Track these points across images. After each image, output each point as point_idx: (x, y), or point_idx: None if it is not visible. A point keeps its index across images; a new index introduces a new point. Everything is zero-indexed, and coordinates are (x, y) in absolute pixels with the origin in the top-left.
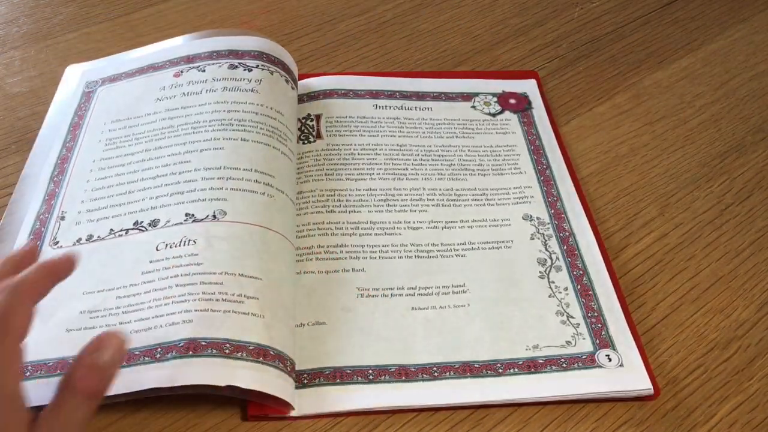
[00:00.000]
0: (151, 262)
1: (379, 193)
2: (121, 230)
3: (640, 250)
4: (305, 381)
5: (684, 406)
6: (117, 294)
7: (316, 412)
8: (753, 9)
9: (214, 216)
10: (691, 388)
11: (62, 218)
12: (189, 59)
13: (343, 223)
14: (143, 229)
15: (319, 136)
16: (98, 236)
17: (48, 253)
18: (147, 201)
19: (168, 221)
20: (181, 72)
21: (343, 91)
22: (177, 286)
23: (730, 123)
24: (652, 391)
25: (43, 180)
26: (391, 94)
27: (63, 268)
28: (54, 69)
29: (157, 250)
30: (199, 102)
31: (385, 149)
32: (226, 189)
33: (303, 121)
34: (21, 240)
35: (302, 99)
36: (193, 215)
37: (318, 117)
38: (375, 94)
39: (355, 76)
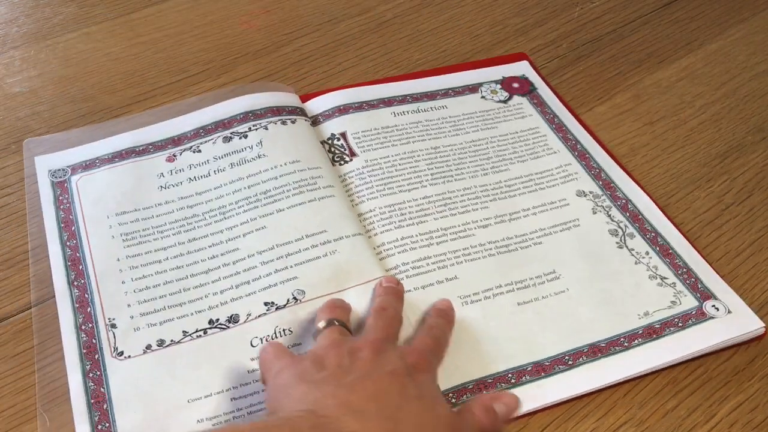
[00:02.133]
0: (252, 359)
1: (435, 198)
2: (198, 331)
3: None
4: (453, 399)
5: (684, 406)
6: (230, 396)
7: None
8: (753, 9)
9: (295, 299)
10: (691, 388)
11: (113, 326)
12: (175, 141)
13: (416, 235)
14: (224, 327)
15: (353, 153)
16: (172, 340)
17: (113, 365)
18: (212, 297)
19: (249, 314)
20: (174, 156)
21: (356, 105)
22: None
23: (730, 123)
24: (764, 329)
25: (60, 286)
26: (402, 99)
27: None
28: (54, 69)
29: (252, 346)
30: (213, 185)
31: (422, 154)
32: (291, 266)
33: (330, 142)
34: (71, 359)
35: (318, 120)
36: (273, 303)
37: (344, 135)
38: (388, 102)
39: (360, 88)
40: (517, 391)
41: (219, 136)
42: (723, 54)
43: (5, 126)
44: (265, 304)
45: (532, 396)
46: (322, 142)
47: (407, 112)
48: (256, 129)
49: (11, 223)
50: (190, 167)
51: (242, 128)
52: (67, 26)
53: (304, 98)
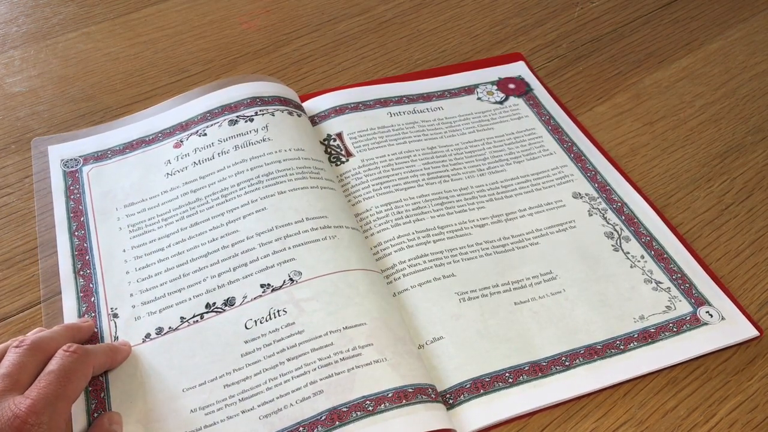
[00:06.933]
0: (246, 342)
1: (432, 197)
2: (195, 316)
3: None
4: (451, 401)
5: (684, 406)
6: (223, 383)
7: (481, 426)
8: (753, 9)
9: (291, 279)
10: (691, 388)
11: (115, 316)
12: (183, 126)
13: (413, 233)
14: (220, 310)
15: (349, 153)
16: (170, 327)
17: None
18: (210, 281)
19: (245, 297)
20: (181, 141)
21: (352, 105)
22: (289, 360)
23: (730, 123)
24: (758, 334)
25: (66, 274)
26: (399, 100)
27: (124, 353)
28: (54, 69)
29: (246, 328)
30: (216, 168)
31: (419, 155)
32: (289, 248)
33: (326, 142)
34: None
35: (314, 121)
36: (269, 285)
37: (340, 135)
38: (384, 103)
39: (357, 88)
40: (514, 391)
41: (225, 119)
42: (723, 54)
43: (5, 126)
44: (261, 285)
45: (530, 396)
46: (319, 142)
47: (403, 112)
48: (263, 114)
49: (11, 223)
50: (195, 151)
51: (249, 112)
52: (67, 26)
53: (302, 99)
